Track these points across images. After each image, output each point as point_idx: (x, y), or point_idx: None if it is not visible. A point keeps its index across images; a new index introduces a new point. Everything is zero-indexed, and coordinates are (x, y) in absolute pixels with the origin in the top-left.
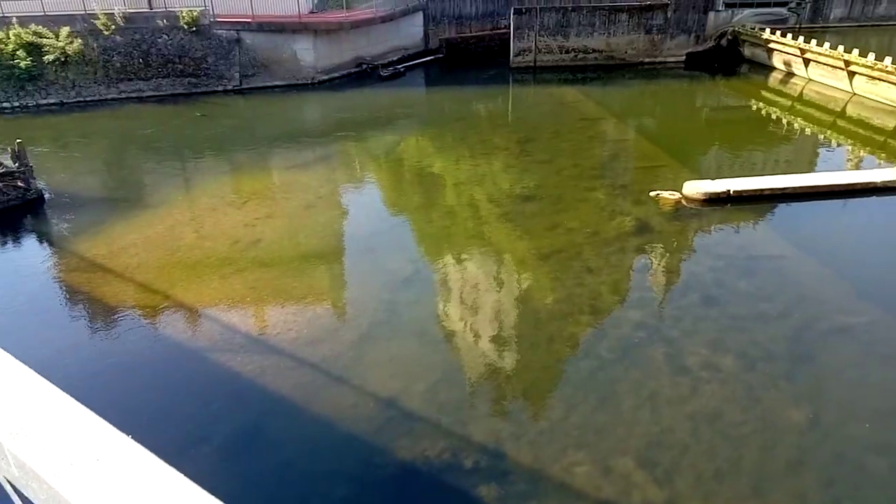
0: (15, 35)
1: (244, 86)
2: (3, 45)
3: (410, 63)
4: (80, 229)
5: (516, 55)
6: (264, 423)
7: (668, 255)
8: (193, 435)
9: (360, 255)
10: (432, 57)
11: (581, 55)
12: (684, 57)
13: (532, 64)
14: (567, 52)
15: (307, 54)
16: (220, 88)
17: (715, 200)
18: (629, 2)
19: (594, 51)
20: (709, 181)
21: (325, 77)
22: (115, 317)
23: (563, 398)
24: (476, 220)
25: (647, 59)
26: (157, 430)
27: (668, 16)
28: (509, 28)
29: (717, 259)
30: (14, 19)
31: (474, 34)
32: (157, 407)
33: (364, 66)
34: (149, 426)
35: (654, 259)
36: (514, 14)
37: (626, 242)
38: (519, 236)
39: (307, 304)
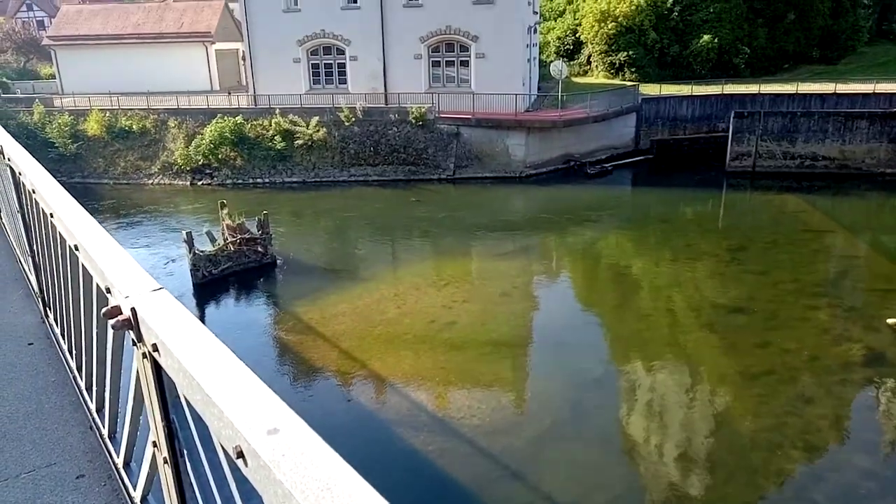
0: (276, 123)
1: (456, 175)
2: (265, 131)
3: (619, 162)
4: (301, 294)
5: (733, 159)
6: None
7: None
8: None
9: (549, 349)
10: (642, 157)
11: (808, 162)
12: None
13: (750, 169)
14: (792, 158)
15: (518, 149)
16: (434, 177)
17: None
18: (870, 108)
19: (824, 158)
20: None
21: (533, 171)
22: (317, 378)
23: None
24: (674, 328)
25: (889, 170)
26: None
27: None
28: (727, 131)
29: None
30: (277, 110)
31: (688, 136)
32: None
33: (572, 163)
34: None
35: (889, 397)
36: (734, 117)
37: (854, 373)
38: (722, 351)
39: (492, 391)
